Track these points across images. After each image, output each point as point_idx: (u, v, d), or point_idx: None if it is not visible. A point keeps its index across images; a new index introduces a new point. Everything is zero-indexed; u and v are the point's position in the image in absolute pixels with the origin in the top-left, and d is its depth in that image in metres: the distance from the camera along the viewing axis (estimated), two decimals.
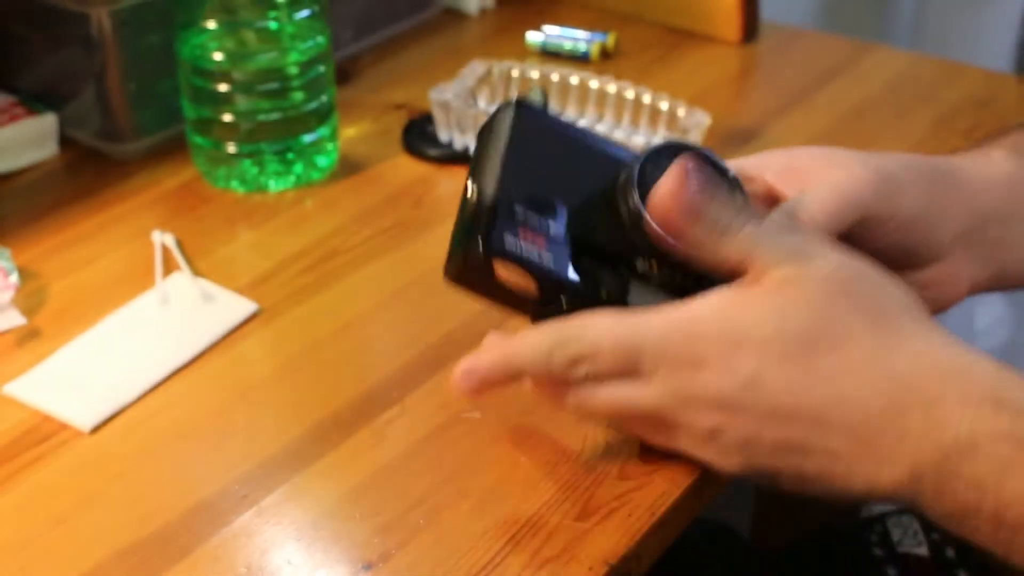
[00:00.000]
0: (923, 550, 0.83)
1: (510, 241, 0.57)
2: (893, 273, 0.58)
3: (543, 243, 0.58)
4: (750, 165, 0.64)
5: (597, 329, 0.55)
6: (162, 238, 0.78)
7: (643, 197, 0.56)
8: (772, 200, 0.63)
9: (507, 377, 0.58)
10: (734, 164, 0.62)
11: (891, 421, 0.52)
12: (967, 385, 0.52)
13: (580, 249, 0.58)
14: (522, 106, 0.60)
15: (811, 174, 0.63)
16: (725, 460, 0.56)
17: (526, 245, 0.57)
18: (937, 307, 0.67)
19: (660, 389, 0.55)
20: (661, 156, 0.57)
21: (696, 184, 0.56)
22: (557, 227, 0.58)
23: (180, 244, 0.78)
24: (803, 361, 0.53)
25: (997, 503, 0.50)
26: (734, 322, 0.54)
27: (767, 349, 0.54)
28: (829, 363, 0.53)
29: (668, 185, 0.55)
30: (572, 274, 0.58)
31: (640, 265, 0.58)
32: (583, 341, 0.56)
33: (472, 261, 0.58)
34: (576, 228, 0.58)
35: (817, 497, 0.56)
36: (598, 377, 0.56)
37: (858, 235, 0.62)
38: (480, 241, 0.57)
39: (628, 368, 0.55)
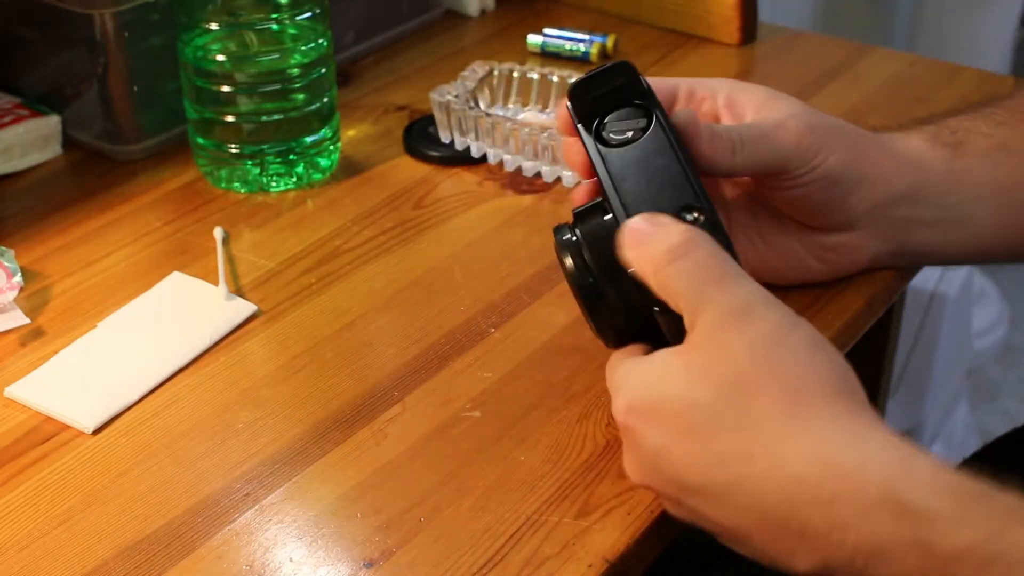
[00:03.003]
0: None
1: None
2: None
3: None
4: (702, 86, 0.68)
5: (610, 364, 0.60)
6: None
7: None
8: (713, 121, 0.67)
9: None
10: (689, 82, 0.68)
11: (790, 515, 0.50)
12: (861, 487, 0.49)
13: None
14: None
15: (748, 109, 0.67)
16: (672, 511, 0.57)
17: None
18: (837, 273, 0.70)
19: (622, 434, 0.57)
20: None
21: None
22: None
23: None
24: (704, 440, 0.52)
25: None
26: (654, 392, 0.54)
27: (674, 423, 0.53)
28: (729, 445, 0.52)
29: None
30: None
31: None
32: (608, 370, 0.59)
33: None
34: None
35: None
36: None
37: (773, 184, 0.66)
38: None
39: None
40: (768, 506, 0.51)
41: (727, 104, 0.68)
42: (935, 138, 0.70)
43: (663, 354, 0.56)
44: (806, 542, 0.50)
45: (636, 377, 0.56)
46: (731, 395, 0.52)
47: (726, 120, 0.67)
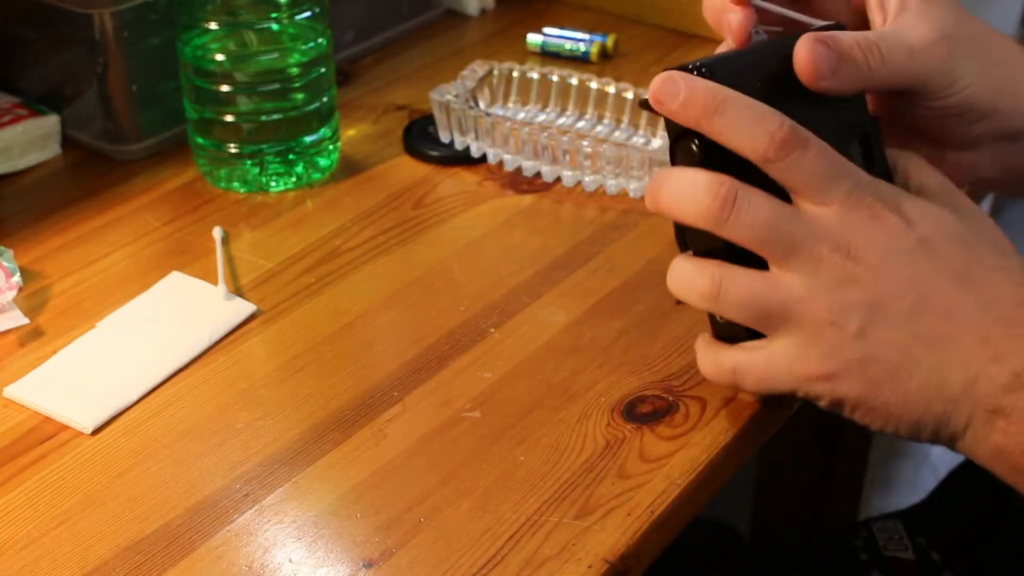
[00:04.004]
0: (908, 554, 0.84)
1: None
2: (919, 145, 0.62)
3: None
4: None
5: (817, 139, 0.56)
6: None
7: None
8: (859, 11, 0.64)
9: (704, 101, 0.56)
10: None
11: (1021, 314, 0.55)
12: None
13: None
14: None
15: (894, 6, 0.62)
16: (834, 339, 0.56)
17: None
18: None
19: (836, 214, 0.56)
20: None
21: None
22: None
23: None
24: (971, 249, 0.57)
25: None
26: (926, 203, 0.58)
27: (945, 224, 0.57)
28: (990, 260, 0.57)
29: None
30: None
31: None
32: (804, 132, 0.56)
33: None
34: None
35: (883, 410, 0.57)
36: (790, 171, 0.56)
37: (901, 100, 0.62)
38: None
39: (823, 180, 0.56)
40: (1008, 310, 0.55)
41: None
42: None
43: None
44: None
45: (876, 181, 0.57)
46: (991, 225, 0.58)
47: (875, 15, 0.63)
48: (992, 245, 0.58)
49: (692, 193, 0.56)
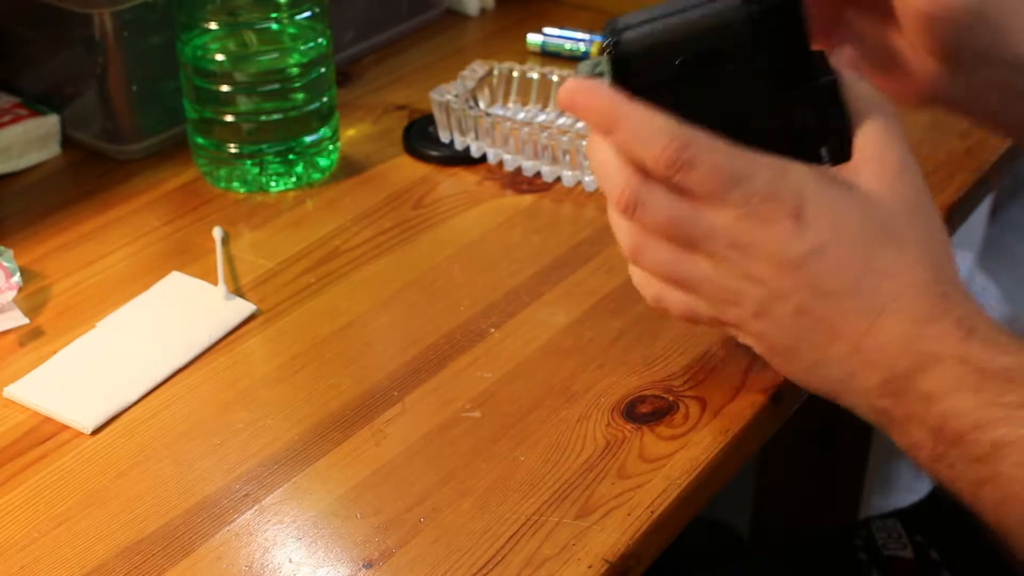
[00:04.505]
0: (907, 553, 0.84)
1: None
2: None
3: None
4: None
5: (709, 146, 0.56)
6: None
7: None
8: None
9: (598, 120, 0.58)
10: None
11: (889, 327, 0.55)
12: (952, 306, 0.56)
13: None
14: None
15: None
16: (735, 313, 0.58)
17: None
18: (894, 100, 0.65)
19: (732, 219, 0.56)
20: None
21: None
22: None
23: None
24: (865, 252, 0.56)
25: (942, 416, 0.55)
26: (833, 199, 0.57)
27: (844, 225, 0.56)
28: (888, 257, 0.56)
29: None
30: None
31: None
32: (693, 146, 0.56)
33: None
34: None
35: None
36: (682, 186, 0.57)
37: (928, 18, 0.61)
38: None
39: (716, 191, 0.56)
40: (884, 319, 0.56)
41: None
42: None
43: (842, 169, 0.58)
44: (887, 353, 0.56)
45: (802, 172, 0.57)
46: (908, 213, 0.57)
47: None
48: (893, 237, 0.57)
49: (606, 178, 0.59)
